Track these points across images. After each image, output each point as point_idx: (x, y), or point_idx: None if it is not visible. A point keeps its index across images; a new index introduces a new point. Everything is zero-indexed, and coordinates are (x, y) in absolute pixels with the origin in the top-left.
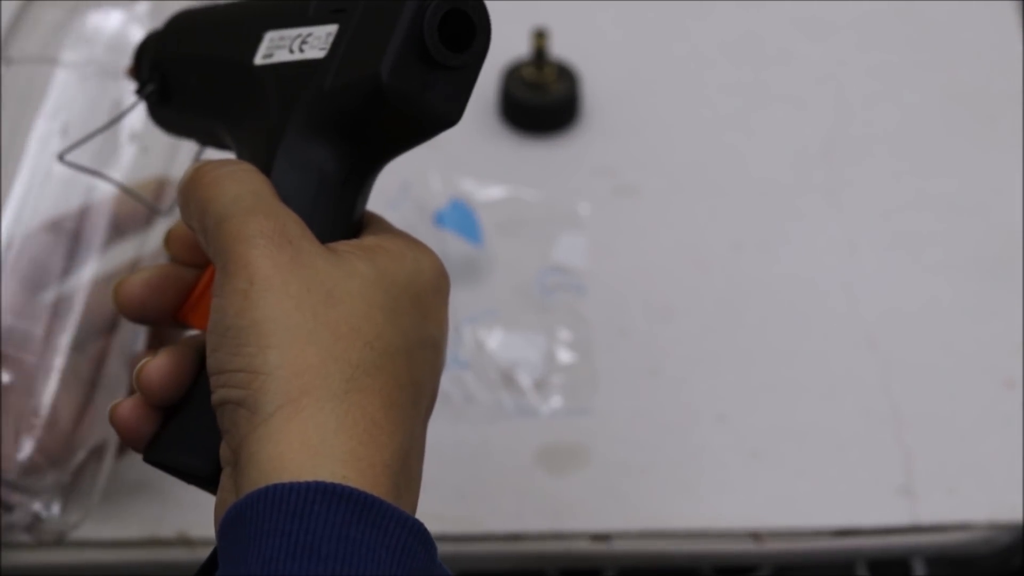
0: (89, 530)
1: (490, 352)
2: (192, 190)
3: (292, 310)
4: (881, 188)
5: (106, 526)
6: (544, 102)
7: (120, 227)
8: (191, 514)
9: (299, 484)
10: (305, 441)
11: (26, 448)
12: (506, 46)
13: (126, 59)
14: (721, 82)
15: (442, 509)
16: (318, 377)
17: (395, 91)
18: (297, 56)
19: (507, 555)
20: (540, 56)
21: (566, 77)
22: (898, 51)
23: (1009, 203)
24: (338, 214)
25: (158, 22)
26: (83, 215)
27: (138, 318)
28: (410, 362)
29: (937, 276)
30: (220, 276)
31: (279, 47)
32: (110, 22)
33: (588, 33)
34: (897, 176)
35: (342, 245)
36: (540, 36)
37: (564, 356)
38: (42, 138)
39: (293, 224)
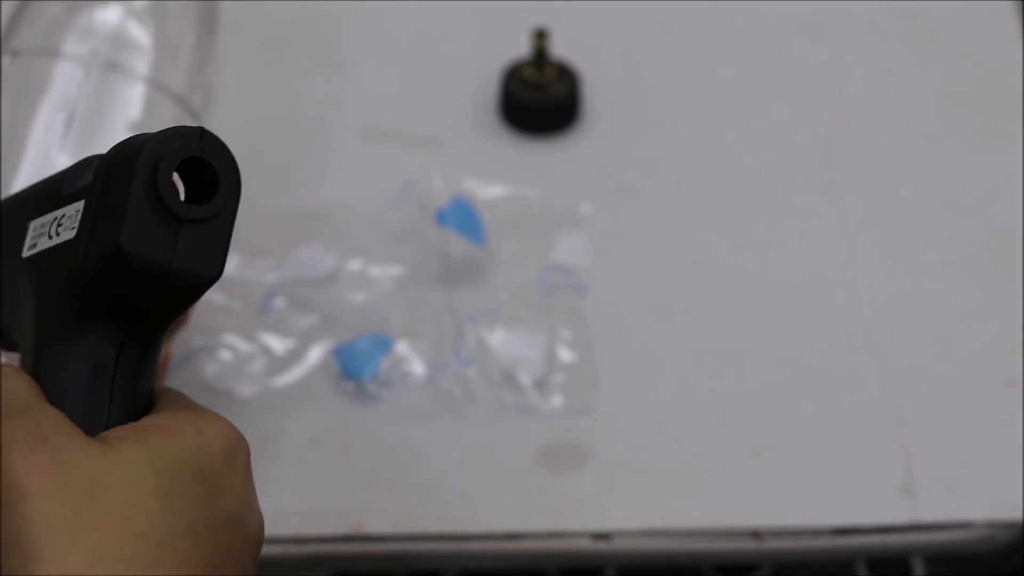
0: None
1: (491, 351)
2: None
3: (52, 513)
4: (881, 188)
5: None
6: (545, 102)
7: None
8: None
9: None
10: None
11: None
12: (506, 46)
13: (128, 54)
14: (721, 82)
15: (442, 508)
16: None
17: (140, 257)
18: (55, 241)
19: (507, 554)
20: (540, 56)
21: (567, 77)
22: (898, 51)
23: (1009, 203)
24: (118, 399)
25: (157, 20)
26: None
27: None
28: (200, 544)
29: (937, 276)
30: None
31: (41, 235)
32: (110, 16)
33: (589, 33)
34: (897, 176)
35: (114, 432)
36: (540, 36)
37: (565, 355)
38: (45, 130)
39: (49, 420)
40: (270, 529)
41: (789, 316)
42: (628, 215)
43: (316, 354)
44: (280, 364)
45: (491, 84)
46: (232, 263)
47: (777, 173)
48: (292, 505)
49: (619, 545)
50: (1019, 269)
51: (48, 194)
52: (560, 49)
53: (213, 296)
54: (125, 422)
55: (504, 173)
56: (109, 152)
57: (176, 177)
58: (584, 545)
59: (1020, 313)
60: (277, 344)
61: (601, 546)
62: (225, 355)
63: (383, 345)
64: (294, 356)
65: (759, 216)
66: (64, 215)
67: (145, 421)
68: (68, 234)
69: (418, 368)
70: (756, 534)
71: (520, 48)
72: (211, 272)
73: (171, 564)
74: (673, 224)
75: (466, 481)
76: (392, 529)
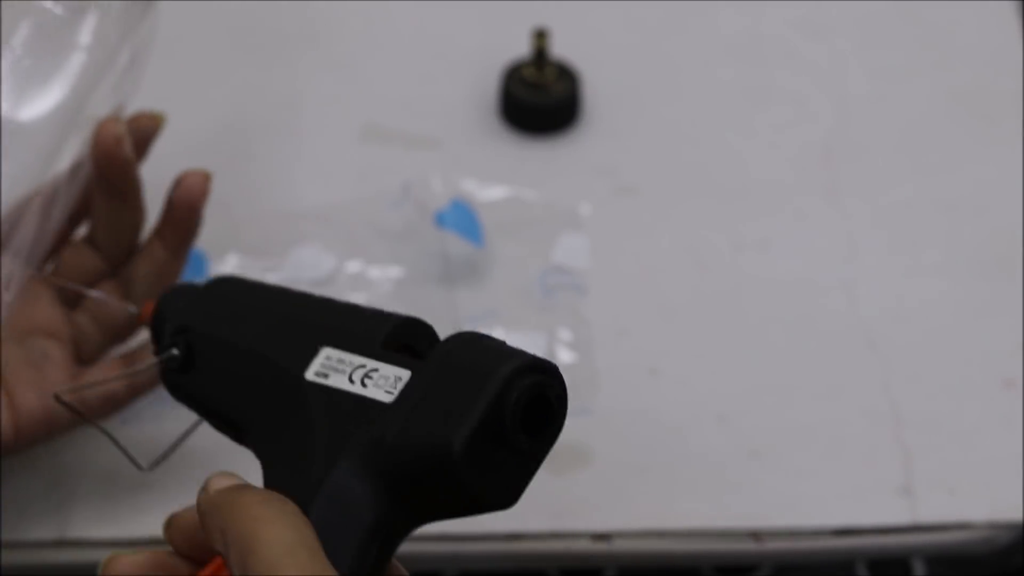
0: (89, 530)
1: None
2: (230, 520)
3: None
4: (881, 188)
5: (106, 526)
6: (545, 102)
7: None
8: None
9: None
10: None
11: None
12: (506, 46)
13: None
14: (722, 82)
15: None
16: None
17: (462, 466)
18: (358, 390)
19: (507, 555)
20: (541, 56)
21: (567, 77)
22: (898, 51)
23: (1009, 203)
24: (372, 571)
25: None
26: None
27: None
28: None
29: (937, 276)
30: None
31: (337, 370)
32: None
33: (589, 33)
34: (897, 176)
35: None
36: (541, 36)
37: (565, 356)
38: None
39: None
40: None
41: (789, 316)
42: (628, 215)
43: None
44: None
45: (491, 84)
46: (232, 263)
47: (777, 173)
48: None
49: (619, 546)
50: (1019, 269)
51: (357, 332)
52: (560, 49)
53: None
54: None
55: (504, 173)
56: (452, 344)
57: None
58: (584, 546)
59: (1020, 313)
60: None
61: (601, 547)
62: None
63: None
64: None
65: (759, 216)
66: (377, 371)
67: None
68: (380, 395)
69: None
70: (756, 535)
71: (520, 48)
72: (510, 501)
73: None
74: (673, 224)
75: None
76: None
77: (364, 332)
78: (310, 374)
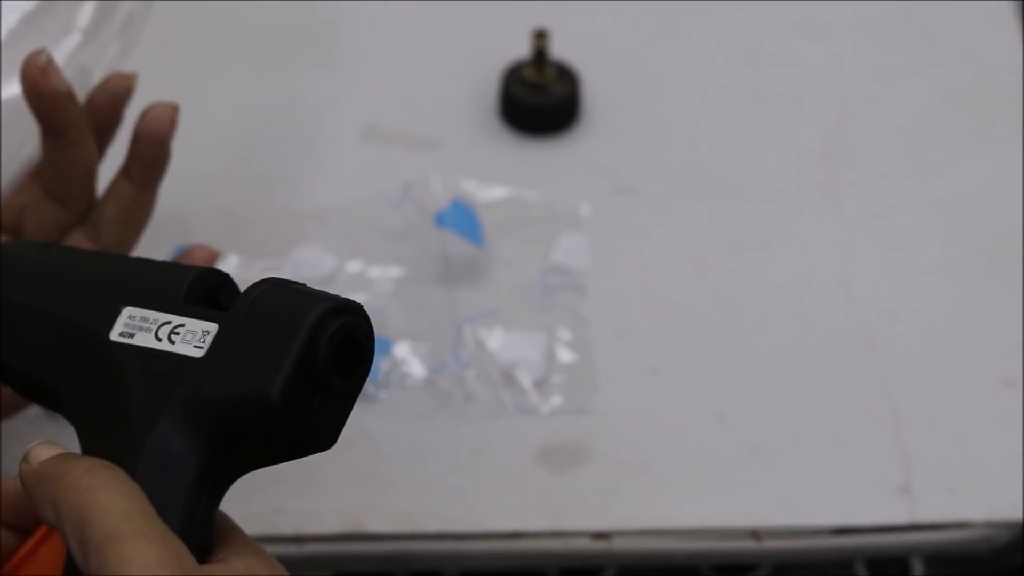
0: None
1: (491, 352)
2: (61, 491)
3: None
4: (880, 188)
5: None
6: (544, 103)
7: None
8: None
9: None
10: None
11: None
12: (506, 47)
13: None
14: (720, 83)
15: (443, 507)
16: None
17: (282, 414)
18: (167, 347)
19: (507, 553)
20: (540, 57)
21: (566, 78)
22: (896, 52)
23: (1007, 203)
24: (201, 524)
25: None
26: None
27: None
28: None
29: (936, 276)
30: None
31: (142, 329)
32: None
33: (588, 34)
34: (896, 176)
35: (215, 569)
36: (540, 37)
37: (564, 356)
38: None
39: (187, 556)
40: (271, 528)
41: (788, 316)
42: (627, 215)
43: None
44: None
45: (491, 85)
46: (232, 263)
47: (776, 173)
48: (292, 504)
49: (618, 545)
50: (1018, 269)
51: (157, 288)
52: (559, 50)
53: None
54: (196, 550)
55: (503, 173)
56: (255, 292)
57: None
58: (584, 545)
59: (1019, 313)
60: None
61: (601, 545)
62: None
63: (382, 346)
64: None
65: (758, 216)
66: (184, 326)
67: (217, 569)
68: (190, 350)
69: (417, 369)
70: (755, 534)
71: (520, 49)
72: (326, 444)
73: None
74: (672, 224)
75: (466, 480)
76: (392, 528)
77: (163, 288)
78: (115, 335)
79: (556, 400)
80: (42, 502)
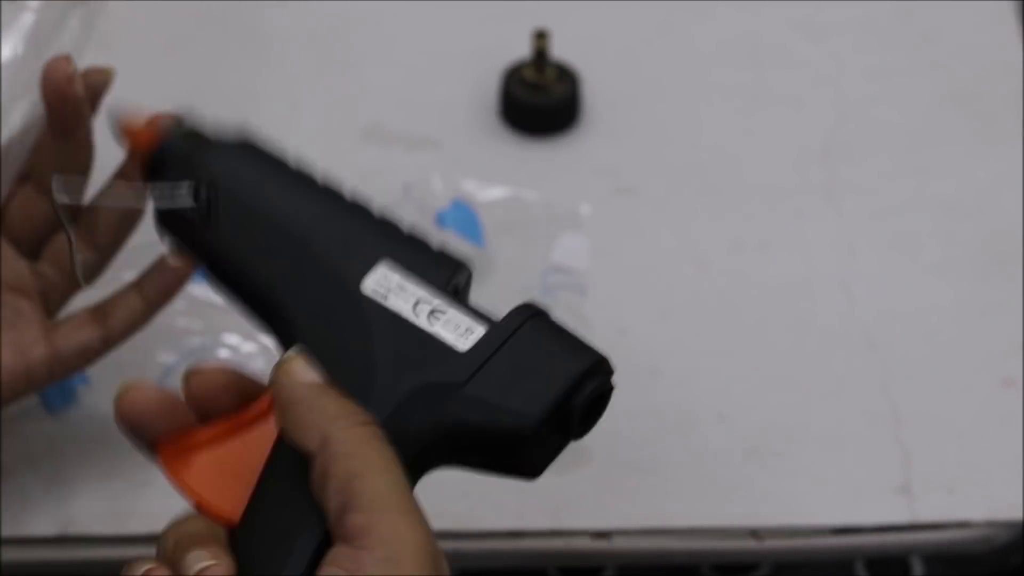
0: (91, 526)
1: None
2: (339, 431)
3: None
4: (879, 189)
5: (107, 523)
6: (545, 103)
7: None
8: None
9: None
10: None
11: None
12: (507, 47)
13: None
14: (720, 83)
15: (444, 506)
16: None
17: (530, 443)
18: (424, 325)
19: (508, 552)
20: (541, 57)
21: (566, 78)
22: (896, 52)
23: (1007, 203)
24: None
25: None
26: None
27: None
28: None
29: (935, 276)
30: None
31: (397, 295)
32: None
33: (588, 34)
34: (895, 177)
35: None
36: (541, 37)
37: None
38: None
39: (435, 542)
40: None
41: (788, 316)
42: (627, 216)
43: None
44: None
45: (491, 85)
46: None
47: (776, 173)
48: None
49: (619, 544)
50: (1017, 269)
51: (419, 262)
52: (559, 50)
53: (213, 295)
54: None
55: (504, 173)
56: (522, 318)
57: None
58: (584, 544)
59: (1018, 313)
60: None
61: (601, 545)
62: (225, 354)
63: None
64: None
65: (758, 216)
66: (445, 313)
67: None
68: (453, 340)
69: None
70: (755, 533)
71: (520, 49)
72: (534, 475)
73: None
74: (672, 224)
75: (467, 479)
76: None
77: (427, 264)
78: (367, 288)
79: None
80: (301, 424)
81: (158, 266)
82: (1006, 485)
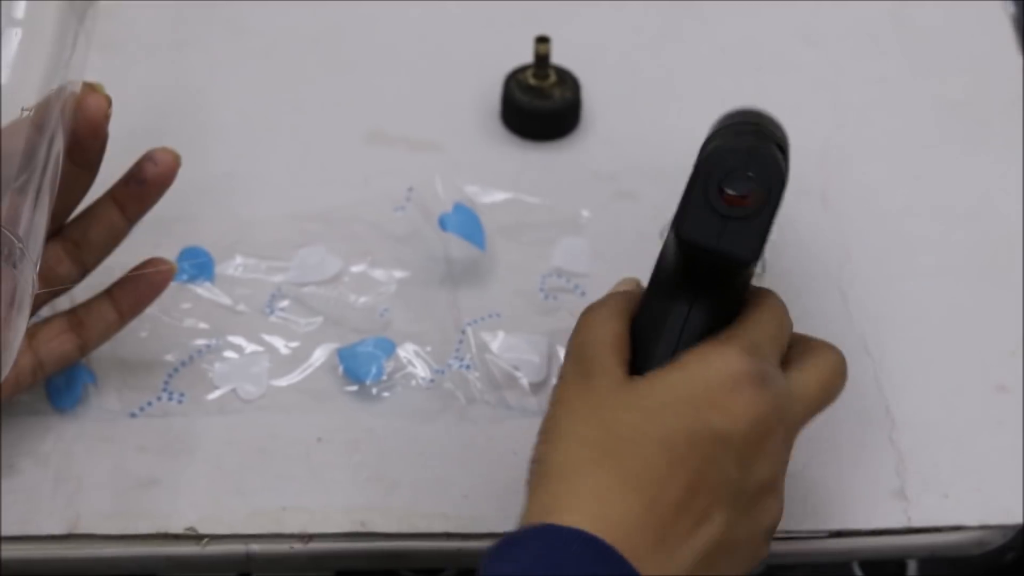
0: (98, 525)
1: (492, 354)
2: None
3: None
4: (876, 194)
5: (115, 521)
6: (546, 107)
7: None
8: (200, 510)
9: (567, 528)
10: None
11: None
12: (508, 52)
13: None
14: (720, 89)
15: (447, 509)
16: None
17: (690, 243)
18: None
19: None
20: (542, 62)
21: (567, 83)
22: (894, 59)
23: (1003, 209)
24: (685, 340)
25: None
26: None
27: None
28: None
29: (932, 281)
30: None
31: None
32: None
33: (589, 40)
34: (893, 182)
35: (653, 374)
36: (542, 42)
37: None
38: None
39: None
40: (276, 526)
41: None
42: (627, 219)
43: (320, 355)
44: (285, 364)
45: (493, 90)
46: (237, 264)
47: None
48: (298, 503)
49: None
50: (1013, 275)
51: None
52: (560, 55)
53: (219, 297)
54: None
55: (505, 177)
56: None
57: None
58: None
59: (1013, 319)
60: (282, 344)
61: None
62: (231, 355)
63: (386, 348)
64: (299, 356)
65: None
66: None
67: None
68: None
69: (421, 370)
70: None
71: (522, 54)
72: (745, 254)
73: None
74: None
75: (469, 481)
76: (396, 528)
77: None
78: None
79: None
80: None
81: (131, 279)
82: (1000, 489)
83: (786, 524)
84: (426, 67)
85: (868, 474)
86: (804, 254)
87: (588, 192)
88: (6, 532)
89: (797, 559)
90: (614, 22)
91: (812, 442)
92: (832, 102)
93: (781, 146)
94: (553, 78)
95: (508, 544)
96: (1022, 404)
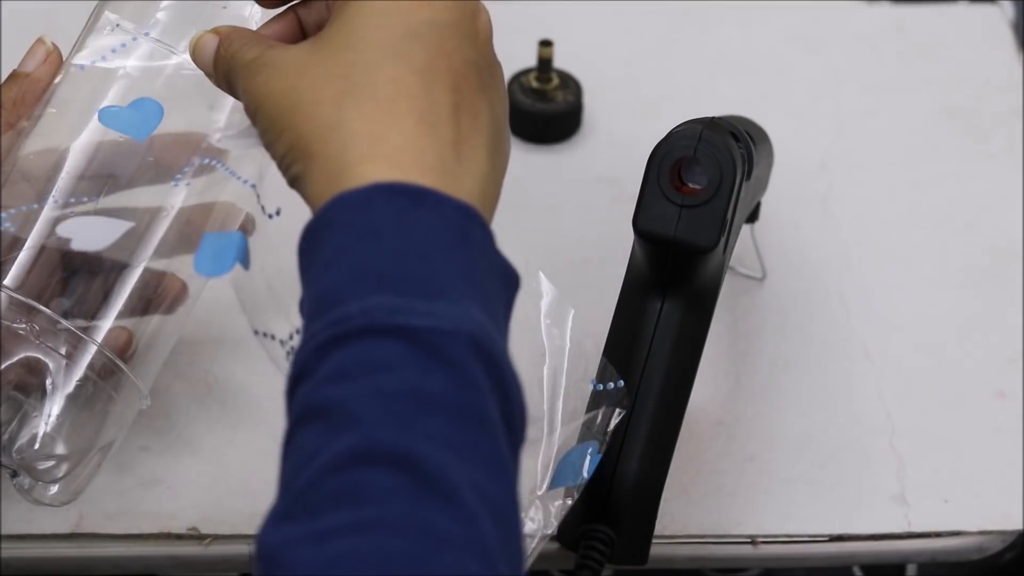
0: (101, 524)
1: None
2: None
3: None
4: (877, 201)
5: (118, 521)
6: (548, 111)
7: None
8: (203, 509)
9: (360, 187)
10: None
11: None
12: (511, 56)
13: None
14: (720, 95)
15: None
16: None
17: (649, 235)
18: None
19: None
20: (545, 66)
21: (570, 87)
22: (895, 66)
23: (1003, 217)
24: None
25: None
26: None
27: None
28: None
29: (932, 288)
30: None
31: None
32: None
33: (592, 44)
34: (892, 189)
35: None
36: (545, 46)
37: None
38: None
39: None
40: None
41: (786, 326)
42: (628, 223)
43: None
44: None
45: None
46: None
47: (775, 185)
48: None
49: None
50: (1013, 282)
51: None
52: (563, 59)
53: (222, 294)
54: None
55: (506, 180)
56: None
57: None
58: None
59: (1013, 326)
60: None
61: None
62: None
63: None
64: None
65: (756, 226)
66: None
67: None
68: None
69: None
70: (752, 540)
71: (525, 58)
72: (703, 241)
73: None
74: None
75: None
76: None
77: None
78: None
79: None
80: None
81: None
82: (1000, 495)
83: (787, 528)
84: None
85: (869, 479)
86: (805, 261)
87: (590, 195)
88: (9, 531)
89: (797, 563)
90: (617, 27)
91: (813, 447)
92: (833, 109)
93: (737, 135)
94: (556, 82)
95: (315, 229)
96: (1022, 411)
